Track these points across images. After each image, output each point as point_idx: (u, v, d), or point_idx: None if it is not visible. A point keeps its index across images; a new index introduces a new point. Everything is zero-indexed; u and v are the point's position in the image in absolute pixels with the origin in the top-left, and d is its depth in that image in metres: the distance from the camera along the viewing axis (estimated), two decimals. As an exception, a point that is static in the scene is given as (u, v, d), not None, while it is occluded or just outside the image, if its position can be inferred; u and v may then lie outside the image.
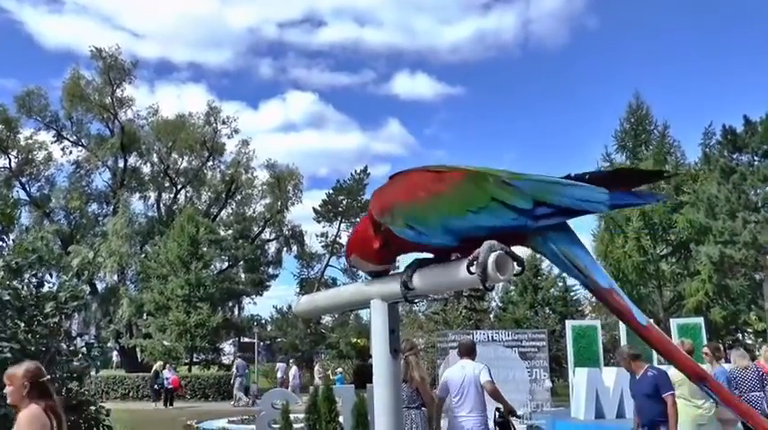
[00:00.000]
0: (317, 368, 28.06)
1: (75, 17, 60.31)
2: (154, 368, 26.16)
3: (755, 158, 24.80)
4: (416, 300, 1.71)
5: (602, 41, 63.05)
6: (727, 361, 9.77)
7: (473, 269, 1.39)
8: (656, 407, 7.14)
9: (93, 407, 7.70)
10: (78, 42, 74.35)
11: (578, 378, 15.74)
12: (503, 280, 1.37)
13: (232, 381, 25.94)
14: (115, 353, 39.68)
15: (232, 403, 25.04)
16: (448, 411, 7.55)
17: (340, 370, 28.59)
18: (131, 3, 58.75)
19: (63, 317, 7.22)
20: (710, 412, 7.81)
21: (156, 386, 25.58)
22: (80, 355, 8.09)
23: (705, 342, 16.72)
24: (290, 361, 29.15)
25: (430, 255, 1.63)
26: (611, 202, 1.46)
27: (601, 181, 1.48)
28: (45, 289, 7.81)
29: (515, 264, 1.41)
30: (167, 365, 26.61)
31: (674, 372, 8.10)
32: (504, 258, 1.38)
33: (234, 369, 26.25)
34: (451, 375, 7.35)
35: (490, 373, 7.37)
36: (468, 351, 7.53)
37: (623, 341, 18.28)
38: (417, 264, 1.59)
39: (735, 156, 25.48)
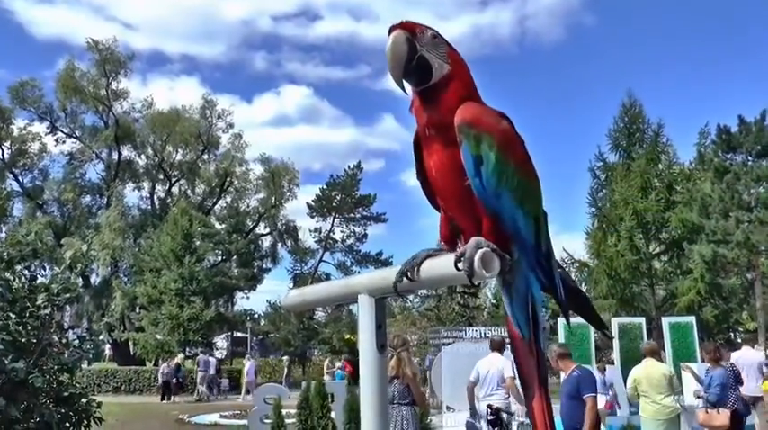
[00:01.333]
0: (326, 363, 28.19)
1: (67, 7, 59.91)
2: (175, 361, 26.15)
3: (749, 158, 24.83)
4: (403, 296, 1.73)
5: (598, 39, 63.20)
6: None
7: (460, 265, 1.41)
8: (577, 410, 6.74)
9: (83, 400, 7.69)
10: (70, 33, 73.82)
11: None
12: (488, 277, 1.39)
13: (194, 376, 26.07)
14: (108, 346, 39.62)
15: (195, 397, 25.11)
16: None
17: (339, 365, 28.63)
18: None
19: (55, 309, 7.20)
20: (670, 409, 8.02)
21: (177, 379, 25.61)
22: (72, 348, 8.09)
23: (696, 340, 16.85)
24: (247, 355, 29.06)
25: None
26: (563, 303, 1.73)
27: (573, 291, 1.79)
28: (38, 281, 7.80)
29: (501, 261, 1.43)
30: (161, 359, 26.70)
31: (636, 369, 8.43)
32: (490, 256, 1.40)
33: (196, 364, 26.36)
34: (481, 365, 8.65)
35: (513, 369, 8.16)
36: (498, 346, 8.77)
37: (615, 340, 18.37)
38: (425, 258, 1.60)
39: (729, 156, 25.50)
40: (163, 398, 24.63)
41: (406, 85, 1.64)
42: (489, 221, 1.57)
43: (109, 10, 66.21)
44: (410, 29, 1.63)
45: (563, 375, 7.39)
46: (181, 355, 27.12)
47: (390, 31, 1.62)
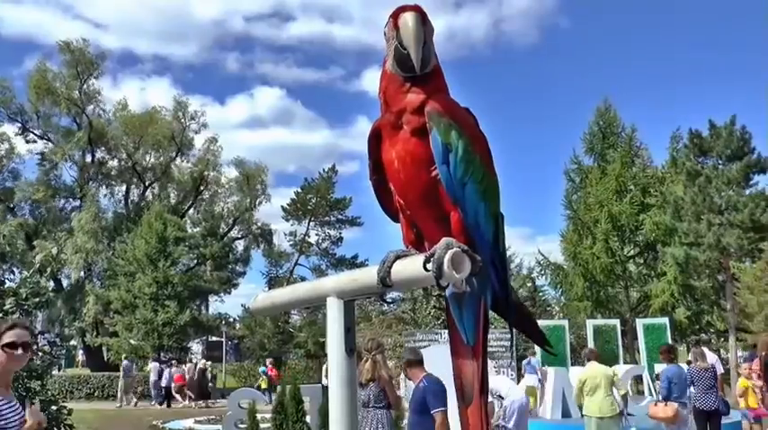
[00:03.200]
0: (324, 367, 28.22)
1: (35, 6, 58.62)
2: (198, 366, 25.80)
3: (720, 162, 25.16)
4: (385, 300, 1.71)
5: (572, 42, 63.57)
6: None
7: (429, 266, 1.38)
8: (423, 425, 5.86)
9: (54, 407, 7.56)
10: (38, 32, 72.14)
11: (546, 377, 15.89)
12: (458, 278, 1.36)
13: (120, 383, 25.63)
14: (80, 351, 39.08)
15: (117, 405, 24.72)
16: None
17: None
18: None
19: (23, 314, 7.07)
20: (612, 407, 8.81)
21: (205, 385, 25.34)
22: (42, 354, 7.96)
23: (670, 341, 17.07)
24: (150, 359, 28.55)
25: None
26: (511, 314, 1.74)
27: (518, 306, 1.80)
28: (6, 285, 7.66)
29: (472, 263, 1.40)
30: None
31: (580, 371, 9.26)
32: (461, 256, 1.37)
33: (121, 370, 25.99)
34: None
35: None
36: None
37: (590, 341, 18.52)
38: (394, 260, 1.57)
39: (700, 160, 25.83)
40: (168, 405, 24.30)
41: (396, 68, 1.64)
42: (458, 216, 1.55)
43: (77, 9, 65.16)
44: (423, 15, 1.63)
45: (411, 385, 6.74)
46: (203, 361, 26.91)
47: (402, 11, 1.62)
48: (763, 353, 9.23)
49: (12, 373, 3.48)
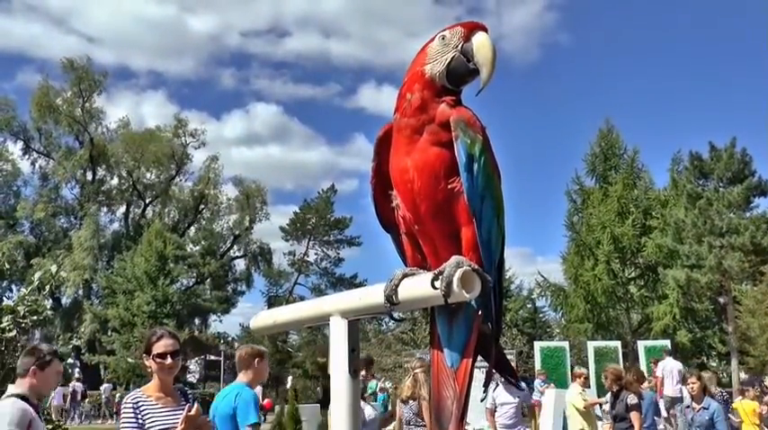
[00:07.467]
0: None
1: (26, 20, 58.13)
2: (290, 383, 25.88)
3: (720, 185, 25.16)
4: (397, 319, 1.67)
5: (573, 59, 63.46)
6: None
7: (437, 284, 1.33)
8: None
9: (49, 426, 7.48)
10: (30, 45, 71.16)
11: (546, 398, 15.78)
12: (468, 298, 1.31)
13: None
14: (77, 370, 38.83)
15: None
16: None
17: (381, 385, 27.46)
18: (85, 5, 57.33)
19: (20, 331, 7.00)
20: None
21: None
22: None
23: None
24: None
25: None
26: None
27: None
28: (3, 303, 7.61)
29: (482, 282, 1.35)
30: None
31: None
32: (471, 275, 1.33)
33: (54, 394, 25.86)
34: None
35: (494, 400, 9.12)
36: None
37: (591, 363, 18.41)
38: (401, 278, 1.52)
39: (701, 182, 25.82)
40: None
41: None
42: (472, 231, 1.51)
43: (71, 23, 64.62)
44: None
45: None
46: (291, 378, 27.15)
47: (477, 27, 1.68)
48: (609, 382, 8.54)
49: (169, 383, 3.52)
